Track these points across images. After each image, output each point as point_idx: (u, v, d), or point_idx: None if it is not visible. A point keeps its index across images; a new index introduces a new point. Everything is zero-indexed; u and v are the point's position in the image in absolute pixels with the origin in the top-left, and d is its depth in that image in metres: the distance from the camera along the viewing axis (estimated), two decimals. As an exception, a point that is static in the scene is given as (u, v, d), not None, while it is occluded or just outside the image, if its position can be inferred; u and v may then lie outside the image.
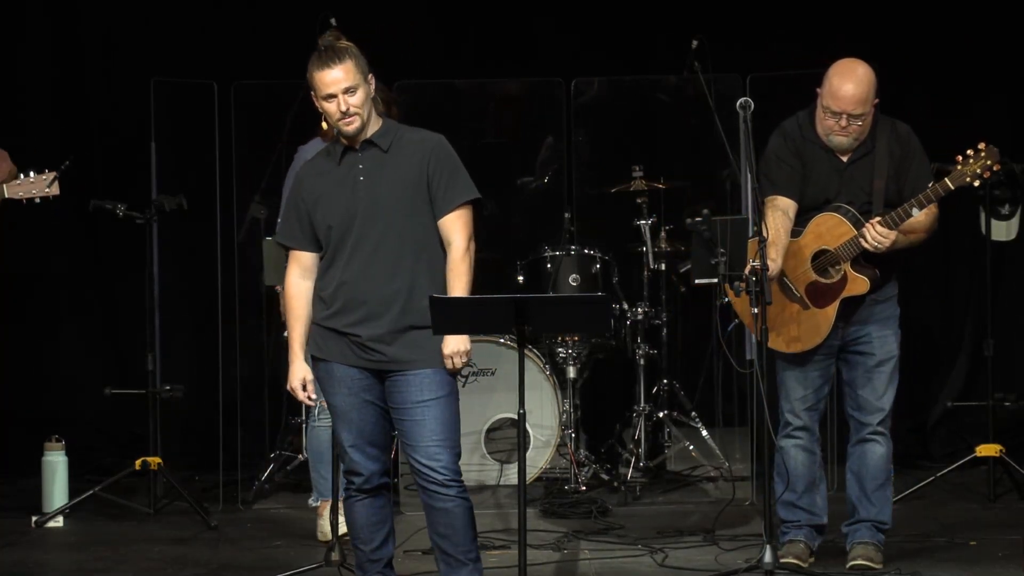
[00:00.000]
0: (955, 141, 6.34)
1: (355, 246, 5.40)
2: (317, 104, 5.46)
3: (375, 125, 5.47)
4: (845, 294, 6.24)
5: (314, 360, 5.53)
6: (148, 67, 8.44)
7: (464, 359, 5.39)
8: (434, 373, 5.38)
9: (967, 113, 8.72)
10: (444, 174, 5.42)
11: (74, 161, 6.57)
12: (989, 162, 6.04)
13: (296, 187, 5.57)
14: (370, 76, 5.44)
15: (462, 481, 5.43)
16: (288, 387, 5.58)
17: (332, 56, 5.38)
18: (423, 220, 5.41)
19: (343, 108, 5.37)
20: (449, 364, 5.37)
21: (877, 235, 6.09)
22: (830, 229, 6.23)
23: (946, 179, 6.07)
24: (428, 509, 5.45)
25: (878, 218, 6.12)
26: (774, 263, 6.08)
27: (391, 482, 5.63)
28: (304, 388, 5.53)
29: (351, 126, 5.40)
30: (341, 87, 5.37)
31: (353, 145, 5.46)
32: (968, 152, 6.08)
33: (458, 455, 5.42)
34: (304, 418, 7.99)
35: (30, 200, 6.71)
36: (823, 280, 6.26)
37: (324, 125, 6.87)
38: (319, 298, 5.48)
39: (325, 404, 6.87)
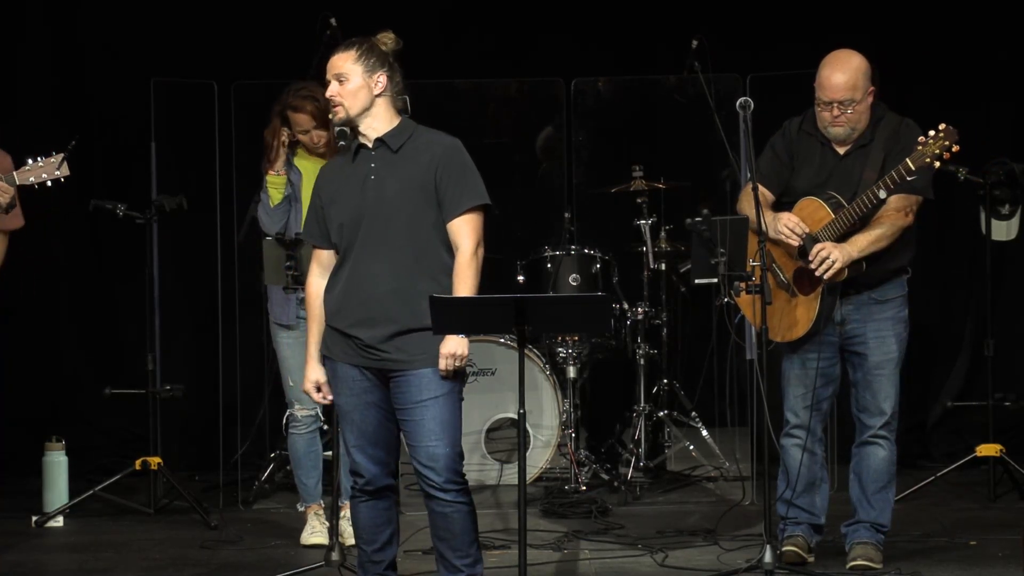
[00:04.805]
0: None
1: (362, 245, 5.40)
2: None
3: (389, 124, 5.46)
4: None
5: (324, 359, 5.54)
6: (148, 67, 8.44)
7: (459, 362, 5.36)
8: (434, 372, 5.36)
9: (968, 113, 8.70)
10: (453, 178, 5.40)
11: (76, 147, 6.51)
12: (948, 143, 6.04)
13: (317, 183, 5.61)
14: (380, 74, 5.44)
15: (463, 483, 5.41)
16: (302, 389, 5.61)
17: (343, 44, 5.49)
18: (429, 223, 5.40)
19: (329, 93, 5.45)
20: (443, 364, 5.33)
21: (820, 257, 6.11)
22: (811, 214, 6.24)
23: (907, 159, 6.08)
24: (429, 511, 5.45)
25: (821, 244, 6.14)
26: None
27: (396, 484, 5.62)
28: (319, 390, 5.55)
29: (335, 116, 5.45)
30: (333, 72, 5.44)
31: (366, 143, 5.47)
32: (930, 132, 6.09)
33: (459, 455, 5.39)
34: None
35: (42, 184, 6.60)
36: (808, 266, 6.25)
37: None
38: (327, 296, 5.50)
39: (298, 413, 6.93)
